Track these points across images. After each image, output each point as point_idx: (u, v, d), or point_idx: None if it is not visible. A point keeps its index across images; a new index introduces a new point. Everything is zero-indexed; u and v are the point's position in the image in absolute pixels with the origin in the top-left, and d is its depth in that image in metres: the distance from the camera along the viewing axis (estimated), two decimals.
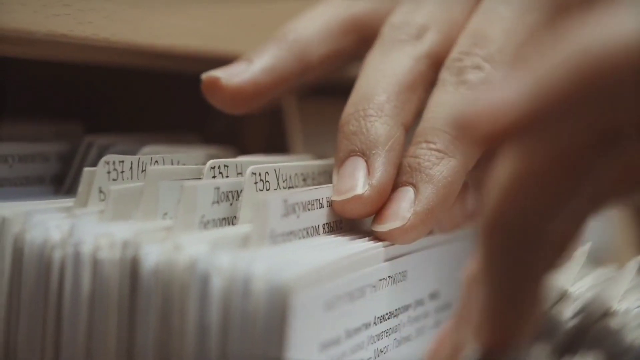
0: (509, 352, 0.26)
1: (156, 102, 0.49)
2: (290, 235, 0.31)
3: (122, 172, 0.33)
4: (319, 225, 0.33)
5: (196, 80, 0.38)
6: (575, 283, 0.33)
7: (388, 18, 0.37)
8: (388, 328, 0.33)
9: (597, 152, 0.23)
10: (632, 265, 0.32)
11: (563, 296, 0.32)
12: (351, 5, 0.39)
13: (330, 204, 0.34)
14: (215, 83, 0.37)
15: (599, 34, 0.21)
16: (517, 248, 0.24)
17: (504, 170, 0.24)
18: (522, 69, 0.22)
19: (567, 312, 0.30)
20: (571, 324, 0.28)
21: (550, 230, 0.24)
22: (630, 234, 0.59)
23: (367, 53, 0.37)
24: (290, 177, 0.35)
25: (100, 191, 0.32)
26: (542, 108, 0.22)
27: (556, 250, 0.26)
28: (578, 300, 0.31)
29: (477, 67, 0.35)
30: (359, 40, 0.39)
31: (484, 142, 0.22)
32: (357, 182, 0.33)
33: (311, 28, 0.38)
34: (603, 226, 0.62)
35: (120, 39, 0.37)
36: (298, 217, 0.31)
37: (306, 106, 0.47)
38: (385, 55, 0.36)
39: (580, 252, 0.33)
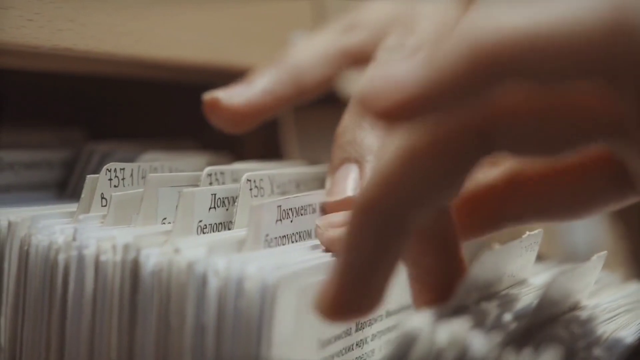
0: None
1: (157, 110, 0.50)
2: (284, 239, 0.32)
3: (123, 179, 0.34)
4: (311, 230, 0.34)
5: (195, 89, 0.39)
6: (536, 274, 0.34)
7: (382, 43, 0.39)
8: (390, 325, 0.34)
9: (473, 148, 0.25)
10: (595, 260, 0.33)
11: (522, 284, 0.33)
12: (346, 35, 0.41)
13: (323, 207, 0.35)
14: (216, 103, 0.38)
15: (482, 23, 0.23)
16: (377, 230, 0.25)
17: (386, 150, 0.25)
18: (420, 53, 0.23)
19: (526, 300, 0.31)
20: (534, 313, 0.29)
21: (411, 221, 0.25)
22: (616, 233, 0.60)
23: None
24: (283, 184, 0.36)
25: (102, 197, 0.33)
26: (434, 86, 0.23)
27: (411, 243, 0.27)
28: (540, 290, 0.31)
29: None
30: (353, 67, 0.41)
31: (383, 117, 0.23)
32: (349, 185, 0.35)
33: (308, 55, 0.40)
34: (590, 225, 0.63)
35: (121, 51, 0.38)
36: (291, 221, 0.33)
37: (302, 114, 0.48)
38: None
39: (599, 258, 0.33)
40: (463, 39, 0.23)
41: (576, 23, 0.22)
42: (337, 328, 0.31)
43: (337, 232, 0.31)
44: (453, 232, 0.29)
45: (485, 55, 0.23)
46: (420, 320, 0.26)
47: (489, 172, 0.30)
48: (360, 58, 0.40)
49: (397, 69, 0.23)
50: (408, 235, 0.26)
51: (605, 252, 0.34)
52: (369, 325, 0.33)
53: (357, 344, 0.33)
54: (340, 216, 0.32)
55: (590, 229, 0.62)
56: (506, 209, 0.30)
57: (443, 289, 0.29)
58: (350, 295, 0.26)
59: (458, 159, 0.25)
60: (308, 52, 0.40)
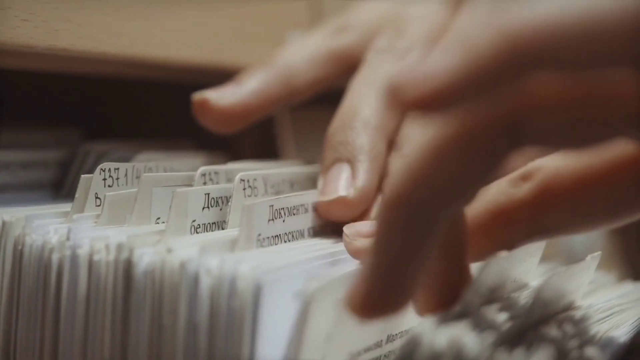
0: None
1: (153, 110, 0.50)
2: (276, 238, 0.32)
3: (117, 178, 0.34)
4: (304, 230, 0.34)
5: (191, 89, 0.39)
6: (530, 275, 0.34)
7: (372, 44, 0.39)
8: None
9: (503, 140, 0.25)
10: (589, 261, 0.33)
11: (524, 288, 0.33)
12: (336, 38, 0.41)
13: (316, 207, 0.35)
14: (205, 104, 0.38)
15: (513, 13, 0.23)
16: (406, 226, 0.25)
17: (415, 144, 0.25)
18: (447, 45, 0.23)
19: (523, 302, 0.31)
20: (528, 313, 0.29)
21: (441, 217, 0.25)
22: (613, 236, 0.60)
23: (350, 79, 0.39)
24: (277, 184, 0.36)
25: (97, 197, 0.33)
26: (468, 75, 0.23)
27: (443, 240, 0.27)
28: (534, 290, 0.31)
29: None
30: (342, 69, 0.41)
31: (415, 107, 0.23)
32: (341, 184, 0.35)
33: (299, 56, 0.40)
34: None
35: (118, 51, 0.38)
36: (283, 221, 0.33)
37: (298, 113, 0.48)
38: (371, 76, 0.38)
39: (593, 259, 0.33)
40: (495, 29, 0.23)
41: (603, 11, 0.22)
42: (369, 339, 0.31)
43: (365, 242, 0.31)
44: (464, 239, 0.29)
45: (518, 44, 0.23)
46: (423, 326, 0.26)
47: (519, 187, 0.30)
48: (350, 60, 0.40)
49: (429, 59, 0.23)
50: (439, 232, 0.26)
51: (599, 252, 0.34)
52: (399, 337, 0.33)
53: (385, 356, 0.32)
54: (368, 226, 0.32)
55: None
56: (539, 222, 0.30)
57: (448, 296, 0.28)
58: (380, 292, 0.26)
59: (488, 151, 0.25)
60: (299, 53, 0.40)
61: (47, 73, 0.39)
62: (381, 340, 0.32)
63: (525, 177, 0.30)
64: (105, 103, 0.50)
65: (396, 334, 0.33)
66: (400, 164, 0.25)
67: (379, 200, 0.35)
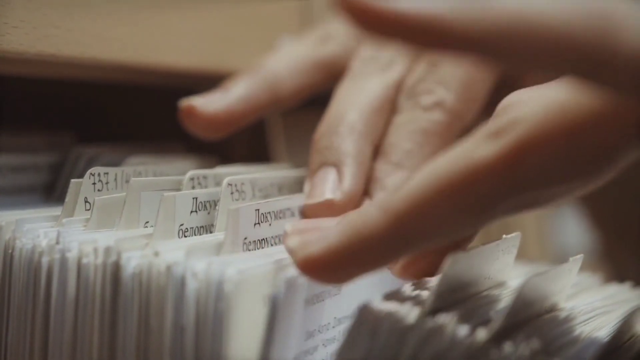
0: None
1: (144, 114, 0.50)
2: (262, 242, 0.33)
3: (107, 183, 0.35)
4: None
5: (181, 94, 0.39)
6: (512, 276, 0.35)
7: (357, 53, 0.40)
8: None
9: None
10: (571, 262, 0.33)
11: (500, 286, 0.33)
12: (322, 46, 0.42)
13: (302, 211, 0.35)
14: (191, 110, 0.39)
15: None
16: (398, 242, 0.27)
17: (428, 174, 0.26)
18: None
19: (503, 301, 0.31)
20: (509, 314, 0.28)
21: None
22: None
23: (335, 86, 0.39)
24: (265, 187, 0.37)
25: (86, 201, 0.34)
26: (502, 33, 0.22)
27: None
28: (517, 291, 0.30)
29: (429, 92, 0.37)
30: (328, 77, 0.41)
31: (357, 16, 0.22)
32: (328, 188, 0.35)
33: (284, 64, 0.41)
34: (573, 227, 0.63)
35: (108, 57, 0.39)
36: (270, 225, 0.33)
37: (290, 116, 0.48)
38: (356, 83, 0.39)
39: (575, 261, 0.33)
40: None
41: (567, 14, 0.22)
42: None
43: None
44: None
45: None
46: (409, 316, 0.27)
47: (487, 146, 0.26)
48: (334, 68, 0.41)
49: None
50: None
51: (581, 255, 0.33)
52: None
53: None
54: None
55: (580, 231, 0.62)
56: (509, 192, 0.28)
57: (434, 264, 0.30)
58: (344, 260, 0.27)
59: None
60: (284, 61, 0.41)
61: (38, 78, 0.40)
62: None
63: (498, 133, 0.26)
64: (96, 107, 0.50)
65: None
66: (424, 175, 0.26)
67: (364, 204, 0.35)
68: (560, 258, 0.56)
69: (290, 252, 0.28)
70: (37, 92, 0.46)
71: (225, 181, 0.34)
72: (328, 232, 0.27)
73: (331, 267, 0.27)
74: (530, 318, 0.31)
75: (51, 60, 0.36)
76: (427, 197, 0.26)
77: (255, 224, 0.32)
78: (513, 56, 0.23)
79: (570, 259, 0.33)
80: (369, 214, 0.27)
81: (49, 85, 0.43)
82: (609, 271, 0.55)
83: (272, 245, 0.33)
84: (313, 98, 0.43)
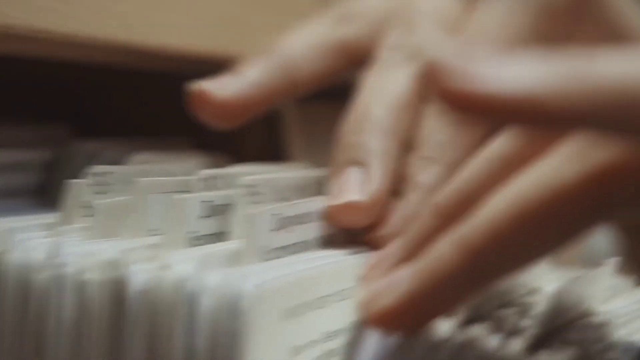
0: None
1: (148, 104, 0.48)
2: (282, 250, 0.30)
3: (109, 184, 0.32)
4: (312, 240, 0.32)
5: (186, 80, 0.37)
6: (546, 281, 0.35)
7: (383, 41, 0.38)
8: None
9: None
10: (606, 267, 0.33)
11: (535, 292, 0.33)
12: (341, 27, 0.39)
13: (325, 214, 0.33)
14: (202, 95, 0.36)
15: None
16: (475, 273, 0.26)
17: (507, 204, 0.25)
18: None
19: (540, 307, 0.32)
20: (548, 320, 0.29)
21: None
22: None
23: (356, 72, 0.38)
24: (284, 189, 0.34)
25: (86, 206, 0.31)
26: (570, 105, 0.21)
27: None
28: (553, 297, 0.32)
29: None
30: (348, 61, 0.39)
31: (448, 101, 0.22)
32: (354, 189, 0.33)
33: (302, 46, 0.38)
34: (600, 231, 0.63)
35: (107, 35, 0.36)
36: (290, 231, 0.31)
37: (306, 110, 0.47)
38: (383, 75, 0.37)
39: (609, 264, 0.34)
40: None
41: None
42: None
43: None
44: None
45: None
46: (443, 328, 0.28)
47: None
48: (356, 51, 0.39)
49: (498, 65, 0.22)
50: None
51: (617, 257, 0.34)
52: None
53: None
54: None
55: (610, 234, 0.62)
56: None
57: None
58: (416, 310, 0.27)
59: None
60: (302, 43, 0.38)
61: (28, 59, 0.36)
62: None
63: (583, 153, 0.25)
64: (96, 96, 0.48)
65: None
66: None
67: (390, 205, 0.34)
68: (587, 261, 0.56)
69: (361, 306, 0.28)
70: (28, 77, 0.43)
71: (241, 182, 0.32)
72: (399, 279, 0.27)
73: (408, 316, 0.27)
74: (566, 324, 0.31)
75: (44, 37, 0.33)
76: (510, 227, 0.25)
77: (273, 231, 0.30)
78: (617, 125, 0.22)
79: (606, 261, 0.34)
80: (443, 253, 0.26)
81: (41, 68, 0.40)
82: (635, 275, 0.56)
83: (292, 253, 0.31)
84: (333, 84, 0.40)
